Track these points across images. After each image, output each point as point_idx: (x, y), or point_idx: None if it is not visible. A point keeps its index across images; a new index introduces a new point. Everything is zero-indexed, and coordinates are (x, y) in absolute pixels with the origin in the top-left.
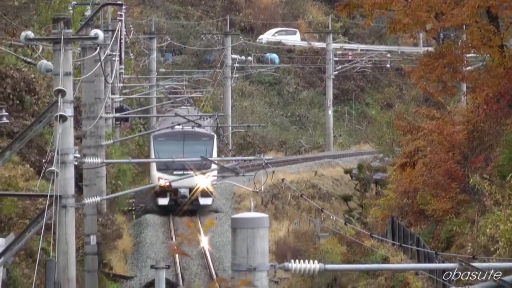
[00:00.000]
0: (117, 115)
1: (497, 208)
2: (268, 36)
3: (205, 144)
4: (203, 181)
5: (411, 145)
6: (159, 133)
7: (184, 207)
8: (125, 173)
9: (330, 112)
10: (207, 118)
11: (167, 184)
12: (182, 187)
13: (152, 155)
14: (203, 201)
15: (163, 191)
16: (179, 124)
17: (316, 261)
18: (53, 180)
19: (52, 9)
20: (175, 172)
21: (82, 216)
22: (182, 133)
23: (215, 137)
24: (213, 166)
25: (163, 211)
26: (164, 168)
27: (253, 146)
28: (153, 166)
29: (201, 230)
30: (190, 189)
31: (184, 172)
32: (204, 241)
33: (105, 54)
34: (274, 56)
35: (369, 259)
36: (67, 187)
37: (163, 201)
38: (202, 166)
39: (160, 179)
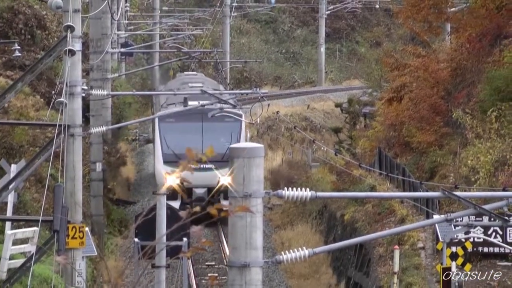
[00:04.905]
0: (122, 50)
1: (478, 141)
2: None
3: (231, 127)
4: (226, 177)
5: (398, 81)
6: (166, 112)
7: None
8: (130, 105)
9: (322, 49)
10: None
11: (178, 184)
12: (198, 186)
13: (158, 143)
14: (227, 204)
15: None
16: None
17: (307, 189)
18: (62, 110)
19: None
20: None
21: (88, 144)
22: (199, 113)
23: (243, 116)
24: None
25: None
26: (174, 160)
27: (250, 81)
28: (158, 158)
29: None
30: (209, 189)
31: (202, 166)
32: None
33: None
34: None
35: (358, 187)
36: (75, 117)
37: (173, 205)
38: (227, 158)
39: (168, 175)
